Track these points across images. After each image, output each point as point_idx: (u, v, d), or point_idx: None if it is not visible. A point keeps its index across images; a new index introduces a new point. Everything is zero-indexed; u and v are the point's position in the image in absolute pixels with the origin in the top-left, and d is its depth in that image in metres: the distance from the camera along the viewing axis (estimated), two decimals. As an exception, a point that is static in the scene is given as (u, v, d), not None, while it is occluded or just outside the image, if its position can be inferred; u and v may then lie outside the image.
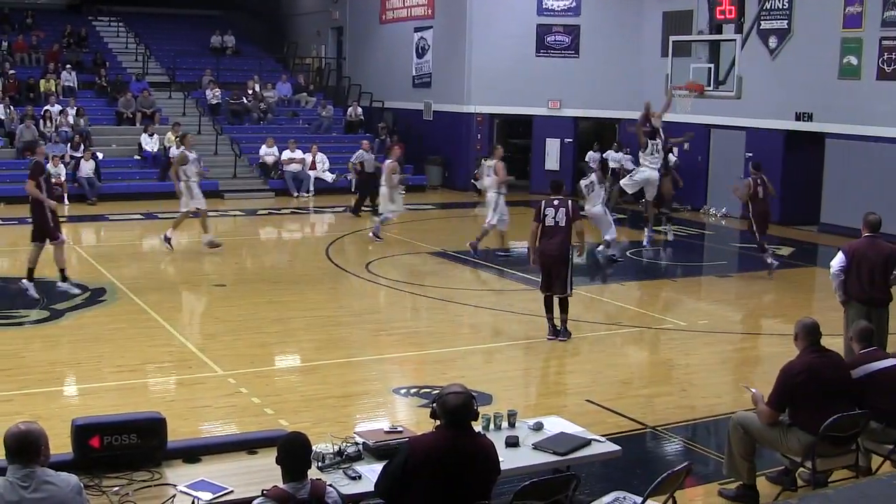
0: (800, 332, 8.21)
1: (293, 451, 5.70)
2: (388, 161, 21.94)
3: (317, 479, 5.79)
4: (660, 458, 9.68)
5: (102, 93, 32.39)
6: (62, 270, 15.77)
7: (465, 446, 6.07)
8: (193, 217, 19.89)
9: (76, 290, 15.64)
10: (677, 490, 6.90)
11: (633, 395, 11.45)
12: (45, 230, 15.42)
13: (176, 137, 28.47)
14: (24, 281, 15.57)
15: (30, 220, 15.75)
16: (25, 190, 15.49)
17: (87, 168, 26.69)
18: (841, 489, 7.06)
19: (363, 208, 25.53)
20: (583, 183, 20.04)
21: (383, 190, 21.54)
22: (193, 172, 19.71)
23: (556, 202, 13.67)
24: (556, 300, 13.77)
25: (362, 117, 33.70)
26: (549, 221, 13.57)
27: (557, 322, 13.79)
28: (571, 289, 13.82)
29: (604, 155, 27.87)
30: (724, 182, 26.11)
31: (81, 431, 6.66)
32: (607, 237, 19.87)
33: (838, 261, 10.85)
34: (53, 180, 25.86)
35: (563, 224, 13.52)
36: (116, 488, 6.37)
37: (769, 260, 18.84)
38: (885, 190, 22.73)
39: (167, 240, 19.61)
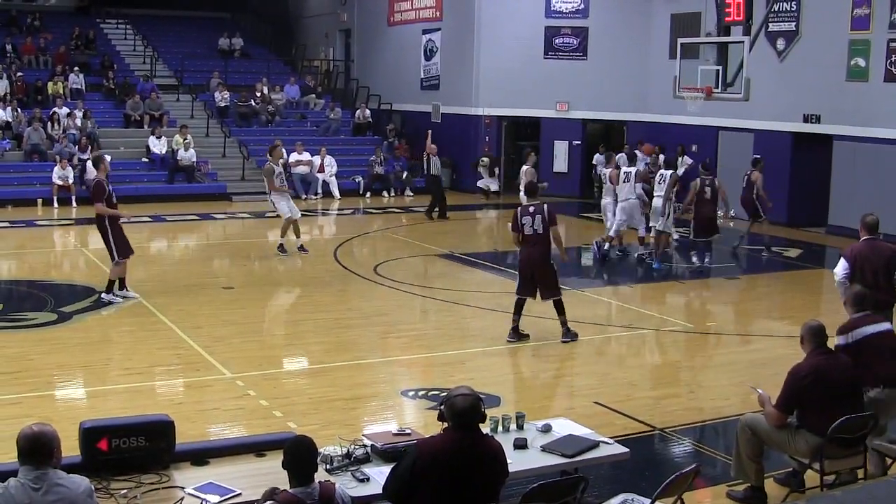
0: (805, 335, 8.21)
1: (299, 456, 5.71)
2: (525, 167, 21.70)
3: (325, 482, 5.80)
4: (668, 459, 9.68)
5: (110, 95, 32.42)
6: (123, 280, 15.67)
7: (473, 448, 6.07)
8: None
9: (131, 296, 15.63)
10: (686, 492, 6.90)
11: (640, 397, 11.44)
12: (126, 244, 15.39)
13: (184, 140, 28.57)
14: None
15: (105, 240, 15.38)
16: (97, 212, 15.19)
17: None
18: (849, 490, 7.06)
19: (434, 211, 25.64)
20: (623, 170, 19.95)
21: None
22: (279, 183, 19.95)
23: (531, 209, 13.58)
24: (527, 303, 13.82)
25: (370, 119, 33.74)
26: (528, 230, 13.49)
27: (522, 325, 13.81)
28: (559, 290, 13.81)
29: (593, 161, 28.11)
30: (733, 184, 26.07)
31: (89, 434, 6.66)
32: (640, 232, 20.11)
33: (842, 268, 10.71)
34: (61, 183, 26.03)
35: (542, 231, 13.45)
36: (125, 491, 6.37)
37: (694, 259, 19.58)
38: (892, 191, 22.70)
39: (300, 248, 20.02)
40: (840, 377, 8.06)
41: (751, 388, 9.05)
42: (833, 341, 8.61)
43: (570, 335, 13.73)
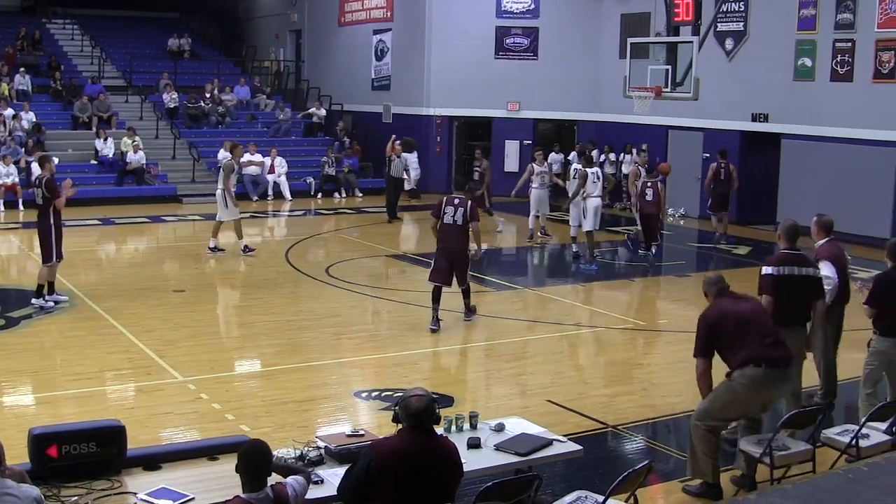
0: (706, 288, 8.74)
1: (252, 460, 5.69)
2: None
3: (277, 484, 5.78)
4: (621, 456, 9.72)
5: (57, 97, 32.11)
6: (52, 284, 15.57)
7: (428, 449, 6.06)
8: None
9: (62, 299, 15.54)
10: (639, 488, 6.94)
11: (594, 395, 11.50)
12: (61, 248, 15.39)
13: (133, 142, 28.33)
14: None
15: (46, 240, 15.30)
16: (58, 208, 15.17)
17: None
18: (799, 484, 7.12)
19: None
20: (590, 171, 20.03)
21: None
22: (233, 183, 20.13)
23: (456, 201, 14.25)
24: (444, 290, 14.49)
25: (322, 121, 33.66)
26: (448, 219, 14.19)
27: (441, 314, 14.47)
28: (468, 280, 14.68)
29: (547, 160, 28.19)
30: (682, 183, 26.27)
31: (39, 441, 6.59)
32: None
33: (833, 271, 10.54)
34: (8, 182, 25.73)
35: (461, 223, 14.12)
36: (75, 498, 6.31)
37: (640, 252, 20.44)
38: (839, 189, 22.98)
39: (246, 249, 20.06)
40: (744, 307, 8.41)
41: None
42: (763, 269, 9.47)
43: (470, 314, 14.79)
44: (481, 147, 27.81)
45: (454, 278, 14.41)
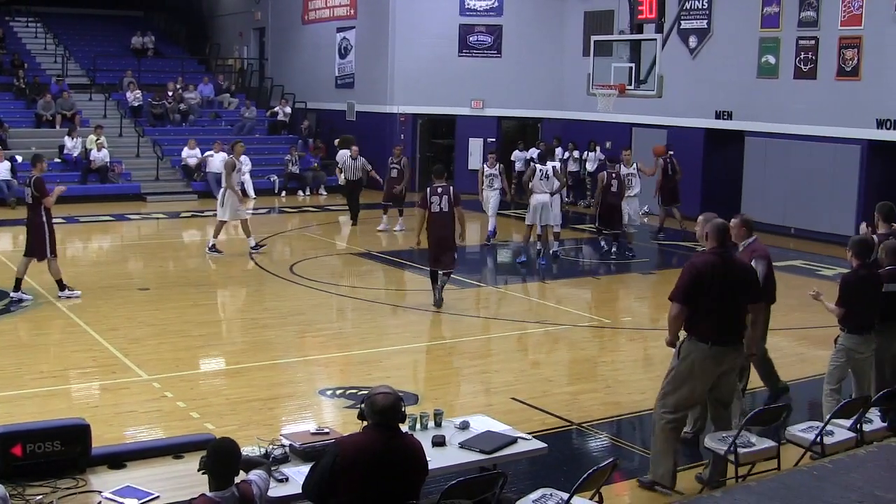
0: (711, 231, 8.53)
1: (219, 459, 5.69)
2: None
3: (242, 482, 5.78)
4: (586, 454, 9.76)
5: (21, 95, 31.88)
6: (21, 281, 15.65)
7: (393, 447, 6.07)
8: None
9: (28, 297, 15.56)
10: (604, 486, 6.97)
11: (558, 393, 11.53)
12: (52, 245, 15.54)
13: (97, 140, 28.16)
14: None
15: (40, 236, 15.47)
16: (46, 205, 15.41)
17: (2, 169, 26.21)
18: (763, 481, 7.16)
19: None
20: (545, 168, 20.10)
21: None
22: (237, 182, 20.07)
23: (439, 189, 15.28)
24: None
25: (286, 120, 33.59)
26: (435, 208, 15.19)
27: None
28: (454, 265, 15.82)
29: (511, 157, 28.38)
30: (646, 180, 26.37)
31: (3, 440, 6.55)
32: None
33: (764, 270, 10.66)
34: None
35: (447, 210, 15.16)
36: (40, 497, 6.28)
37: (602, 243, 21.03)
38: (803, 187, 23.18)
39: (255, 247, 20.20)
40: (730, 284, 8.40)
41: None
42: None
43: (439, 302, 15.42)
44: (402, 144, 27.76)
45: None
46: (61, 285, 15.63)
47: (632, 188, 20.91)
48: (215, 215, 20.36)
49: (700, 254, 8.74)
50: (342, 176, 24.07)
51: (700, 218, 9.24)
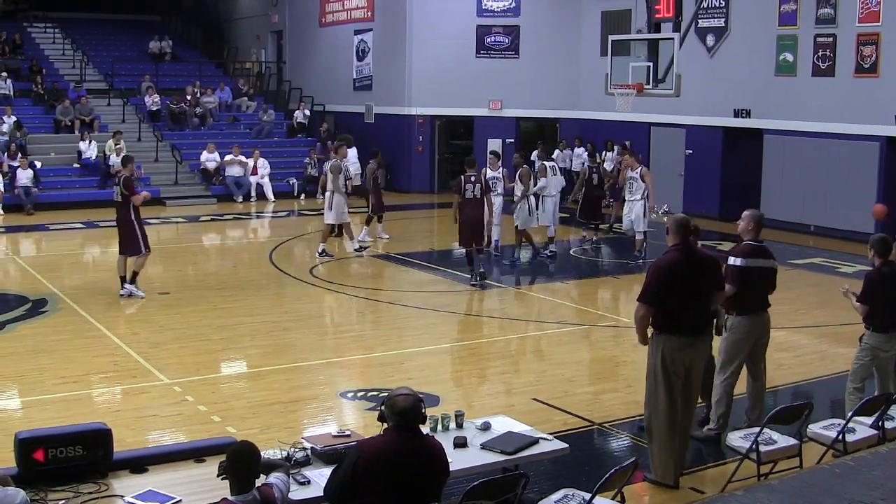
0: (671, 227, 8.79)
1: (239, 462, 5.69)
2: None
3: (263, 485, 5.78)
4: (607, 454, 9.75)
5: (39, 100, 31.99)
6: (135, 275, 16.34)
7: (414, 448, 6.07)
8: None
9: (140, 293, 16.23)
10: (625, 485, 6.96)
11: (579, 393, 11.52)
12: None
13: (116, 145, 28.24)
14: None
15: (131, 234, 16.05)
16: (136, 203, 15.96)
17: (24, 177, 26.30)
18: (785, 479, 7.14)
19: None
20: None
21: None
22: (342, 184, 19.92)
23: (472, 178, 17.54)
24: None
25: (305, 122, 33.64)
26: (469, 195, 17.39)
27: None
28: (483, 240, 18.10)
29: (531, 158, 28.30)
30: (666, 179, 26.36)
31: (25, 445, 6.57)
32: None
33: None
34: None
35: (479, 195, 17.44)
36: (62, 501, 6.30)
37: (585, 235, 22.45)
38: (821, 184, 23.11)
39: (358, 249, 20.47)
40: (692, 274, 8.58)
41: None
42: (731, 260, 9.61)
43: (483, 275, 17.26)
44: (380, 148, 27.68)
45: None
46: (133, 279, 16.17)
47: (633, 192, 19.94)
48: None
49: (664, 253, 8.84)
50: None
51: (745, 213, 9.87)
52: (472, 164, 18.01)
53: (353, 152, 24.91)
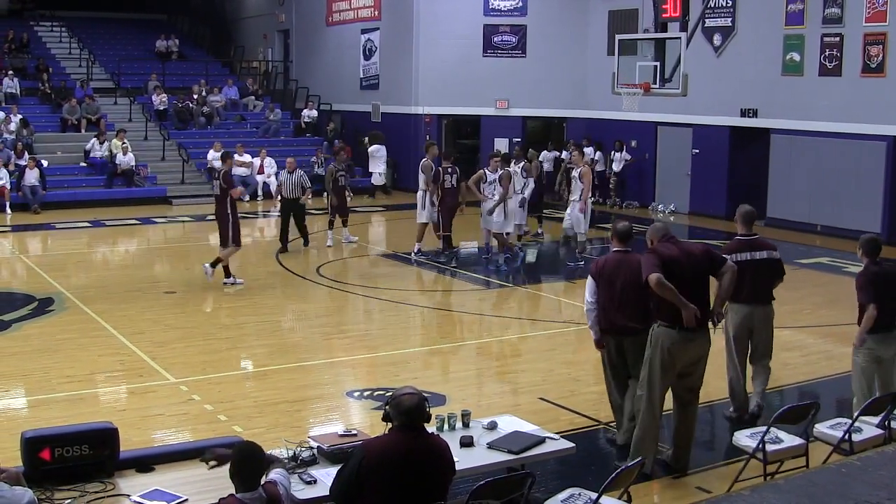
0: (651, 235, 9.24)
1: (247, 461, 5.69)
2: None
3: (267, 483, 5.78)
4: (614, 453, 9.72)
5: (46, 99, 32.05)
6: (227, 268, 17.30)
7: (419, 447, 6.07)
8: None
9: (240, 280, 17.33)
10: (632, 485, 6.95)
11: (585, 392, 11.50)
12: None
13: (122, 144, 28.27)
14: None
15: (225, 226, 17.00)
16: (234, 196, 16.99)
17: (31, 176, 26.32)
18: (792, 478, 7.12)
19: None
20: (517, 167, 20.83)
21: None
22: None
23: (449, 169, 19.03)
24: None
25: (313, 121, 33.64)
26: (447, 184, 18.87)
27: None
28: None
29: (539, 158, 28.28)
30: (672, 179, 26.37)
31: (31, 444, 6.58)
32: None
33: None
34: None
35: (456, 185, 18.99)
36: (69, 501, 6.31)
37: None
38: (828, 184, 23.07)
39: (418, 252, 20.08)
40: (688, 265, 8.73)
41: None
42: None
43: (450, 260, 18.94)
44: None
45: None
46: (215, 264, 16.98)
47: (572, 192, 19.71)
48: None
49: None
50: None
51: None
52: (448, 157, 19.76)
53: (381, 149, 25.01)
